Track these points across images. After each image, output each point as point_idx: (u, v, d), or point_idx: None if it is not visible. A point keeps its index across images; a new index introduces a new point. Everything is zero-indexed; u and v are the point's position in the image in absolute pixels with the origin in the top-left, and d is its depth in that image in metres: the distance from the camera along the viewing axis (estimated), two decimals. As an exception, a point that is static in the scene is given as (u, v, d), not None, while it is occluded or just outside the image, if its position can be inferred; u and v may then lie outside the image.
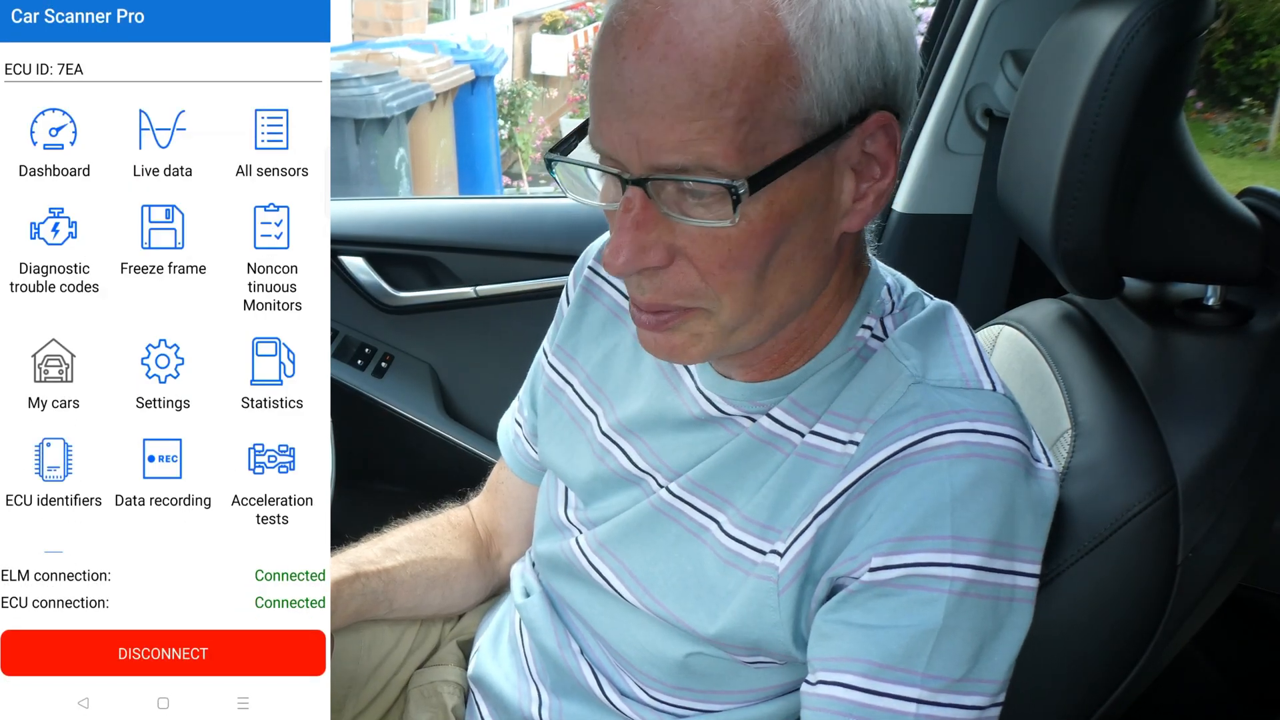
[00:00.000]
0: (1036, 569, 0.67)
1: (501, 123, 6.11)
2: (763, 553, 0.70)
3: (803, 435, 0.71)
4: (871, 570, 0.65)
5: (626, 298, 0.82)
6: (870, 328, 0.72)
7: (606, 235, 0.86)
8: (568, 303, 0.88)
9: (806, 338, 0.71)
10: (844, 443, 0.69)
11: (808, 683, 0.68)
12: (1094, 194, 0.75)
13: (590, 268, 0.86)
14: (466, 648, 0.99)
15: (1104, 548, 0.75)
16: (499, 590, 0.99)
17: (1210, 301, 0.84)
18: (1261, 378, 0.79)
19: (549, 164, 0.68)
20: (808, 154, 0.60)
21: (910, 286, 0.76)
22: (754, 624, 0.70)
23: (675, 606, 0.74)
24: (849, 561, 0.67)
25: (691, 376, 0.76)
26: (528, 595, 0.89)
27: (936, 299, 0.76)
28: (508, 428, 0.96)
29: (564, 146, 0.68)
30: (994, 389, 0.69)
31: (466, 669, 0.97)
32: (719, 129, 0.58)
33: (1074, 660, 0.77)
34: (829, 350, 0.71)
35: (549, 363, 0.88)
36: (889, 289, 0.74)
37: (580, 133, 0.67)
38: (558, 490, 0.86)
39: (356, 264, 1.59)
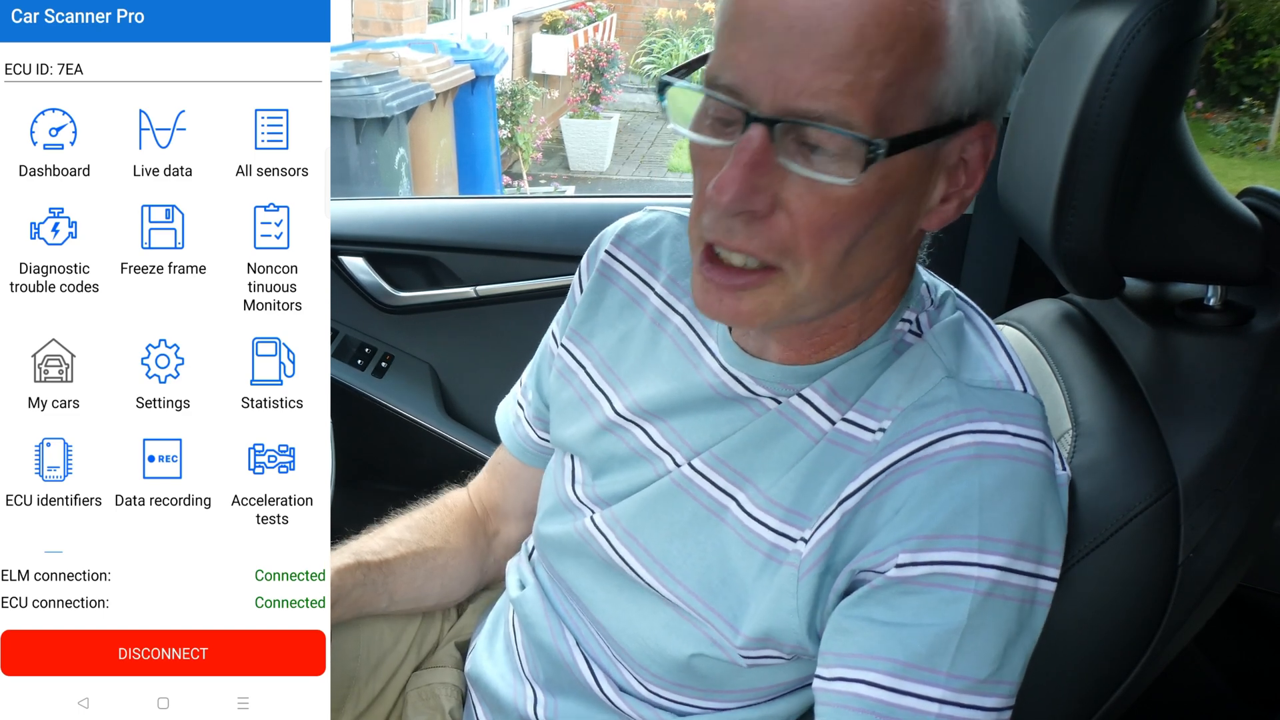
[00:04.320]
0: (1056, 573, 0.67)
1: (502, 123, 6.11)
2: (790, 539, 0.70)
3: (834, 422, 0.70)
4: (898, 566, 0.65)
5: (644, 281, 0.82)
6: (909, 322, 0.72)
7: (622, 221, 0.86)
8: (580, 289, 0.86)
9: (852, 326, 0.70)
10: (873, 431, 0.69)
11: (822, 678, 0.67)
12: (1095, 194, 0.75)
13: (608, 251, 0.85)
14: (464, 648, 0.99)
15: (1105, 548, 0.75)
16: (496, 574, 0.99)
17: (1211, 301, 0.84)
18: (1262, 378, 0.79)
19: (662, 88, 0.65)
20: (929, 138, 0.60)
21: (943, 285, 0.76)
22: (770, 612, 0.70)
23: (700, 589, 0.73)
24: (874, 555, 0.66)
25: (714, 355, 0.75)
26: (523, 588, 0.89)
27: (964, 297, 0.76)
28: (508, 410, 0.96)
29: (680, 71, 0.66)
30: (1025, 390, 0.69)
31: (464, 669, 0.96)
32: (866, 87, 0.57)
33: (1075, 660, 0.77)
34: (869, 341, 0.71)
35: (563, 347, 0.87)
36: (927, 286, 0.74)
37: (698, 63, 0.65)
38: (565, 470, 0.85)
39: (356, 264, 1.59)
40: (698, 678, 0.75)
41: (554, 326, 0.90)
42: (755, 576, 0.71)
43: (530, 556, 0.92)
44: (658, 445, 0.77)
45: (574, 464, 0.85)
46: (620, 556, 0.78)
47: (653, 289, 0.82)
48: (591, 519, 0.80)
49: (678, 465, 0.76)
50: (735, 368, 0.74)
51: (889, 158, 0.59)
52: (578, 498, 0.83)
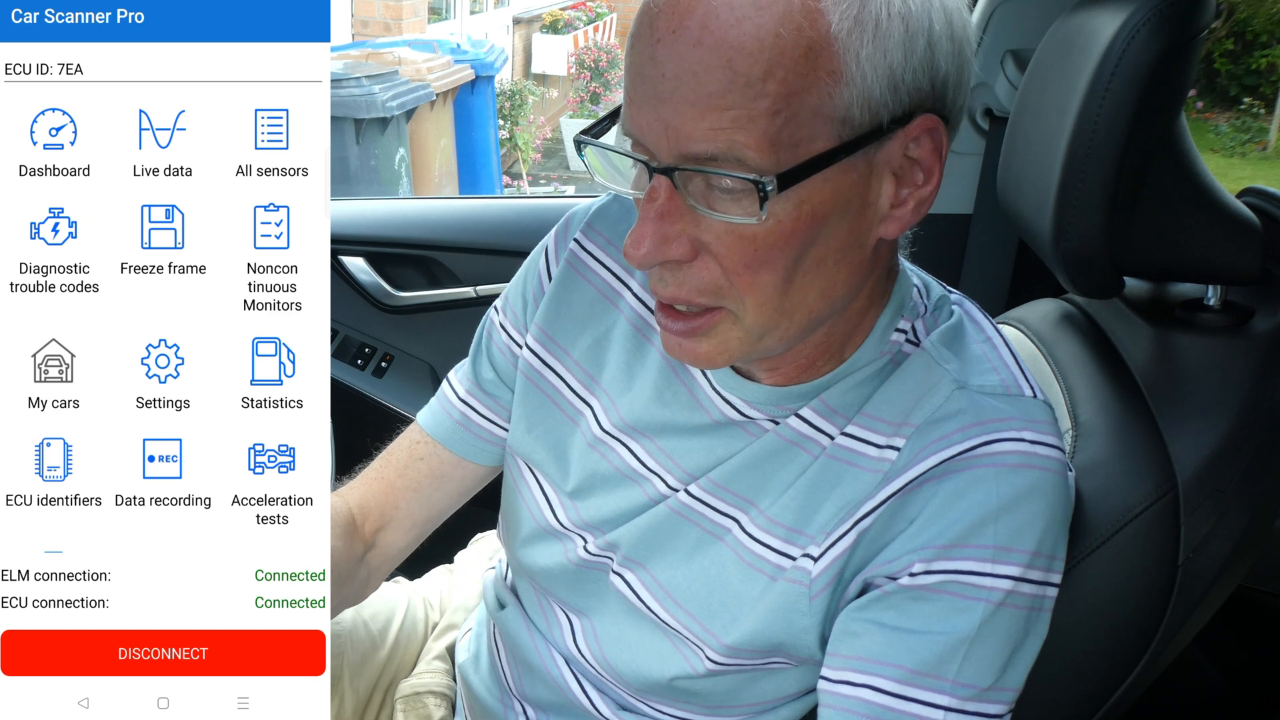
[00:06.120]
0: (1060, 578, 0.67)
1: (501, 123, 6.11)
2: (791, 557, 0.69)
3: (832, 438, 0.69)
4: (911, 575, 0.65)
5: (618, 278, 0.79)
6: (904, 331, 0.70)
7: (593, 206, 0.83)
8: (548, 275, 0.82)
9: (835, 342, 0.69)
10: (881, 446, 0.67)
11: (828, 679, 0.67)
12: (1095, 194, 0.75)
13: (577, 240, 0.81)
14: (451, 651, 0.97)
15: (1105, 549, 0.75)
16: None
17: (1211, 301, 0.84)
18: (1261, 378, 0.79)
19: (579, 146, 0.66)
20: (844, 154, 0.58)
21: (936, 286, 0.74)
22: (779, 628, 0.69)
23: (699, 611, 0.72)
24: (888, 564, 0.66)
25: (705, 376, 0.73)
26: (502, 608, 0.87)
27: (961, 296, 0.75)
28: (450, 410, 0.87)
29: (595, 129, 0.66)
30: (1034, 395, 0.68)
31: (452, 676, 0.95)
32: (752, 119, 0.56)
33: (1075, 662, 0.77)
34: (861, 354, 0.69)
35: (529, 347, 0.81)
36: (918, 290, 0.73)
37: (614, 117, 0.65)
38: (534, 493, 0.82)
39: (356, 264, 1.59)
40: (700, 696, 0.74)
41: (506, 302, 0.85)
42: (756, 596, 0.70)
43: (506, 578, 0.90)
44: (645, 466, 0.75)
45: (540, 482, 0.81)
46: (628, 584, 0.76)
47: (629, 287, 0.79)
48: (585, 547, 0.78)
49: (673, 490, 0.74)
50: (726, 390, 0.72)
51: (801, 183, 0.57)
52: (561, 524, 0.79)
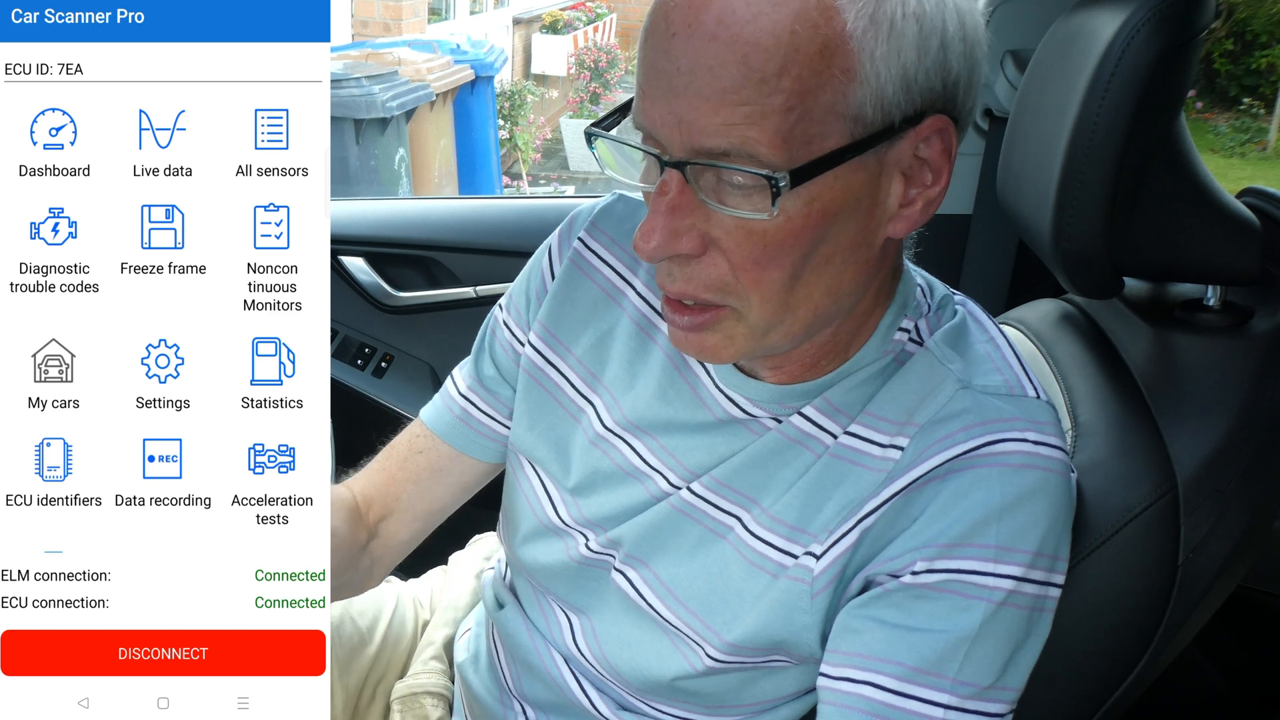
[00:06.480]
0: (1063, 579, 0.67)
1: (501, 123, 6.11)
2: (794, 556, 0.69)
3: (835, 436, 0.69)
4: (913, 573, 0.65)
5: (621, 277, 0.80)
6: (908, 330, 0.70)
7: (597, 205, 0.83)
8: (551, 274, 0.82)
9: (841, 340, 0.69)
10: (884, 446, 0.68)
11: (828, 675, 0.67)
12: (1094, 194, 0.75)
13: (580, 239, 0.81)
14: (448, 650, 0.97)
15: (1105, 549, 0.75)
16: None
17: (1210, 301, 0.84)
18: (1261, 378, 0.79)
19: (589, 138, 0.66)
20: (855, 152, 0.58)
21: (940, 287, 0.74)
22: (780, 626, 0.69)
23: (700, 608, 0.72)
24: (890, 562, 0.66)
25: (708, 373, 0.74)
26: (501, 607, 0.87)
27: (964, 297, 0.75)
28: (451, 405, 0.88)
29: (606, 122, 0.66)
30: (1037, 396, 0.68)
31: (449, 677, 0.95)
32: (765, 115, 0.56)
33: (1074, 662, 0.77)
34: (865, 353, 0.70)
35: (531, 344, 0.82)
36: (922, 290, 0.73)
37: (625, 109, 0.65)
38: (535, 490, 0.82)
39: (356, 264, 1.59)
40: (701, 695, 0.74)
41: (510, 300, 0.85)
42: (758, 594, 0.70)
43: (505, 578, 0.90)
44: (647, 464, 0.76)
45: (541, 479, 0.81)
46: (630, 581, 0.76)
47: (632, 286, 0.79)
48: (586, 544, 0.78)
49: (675, 487, 0.74)
50: (730, 388, 0.72)
51: (813, 180, 0.58)
52: (562, 521, 0.80)
